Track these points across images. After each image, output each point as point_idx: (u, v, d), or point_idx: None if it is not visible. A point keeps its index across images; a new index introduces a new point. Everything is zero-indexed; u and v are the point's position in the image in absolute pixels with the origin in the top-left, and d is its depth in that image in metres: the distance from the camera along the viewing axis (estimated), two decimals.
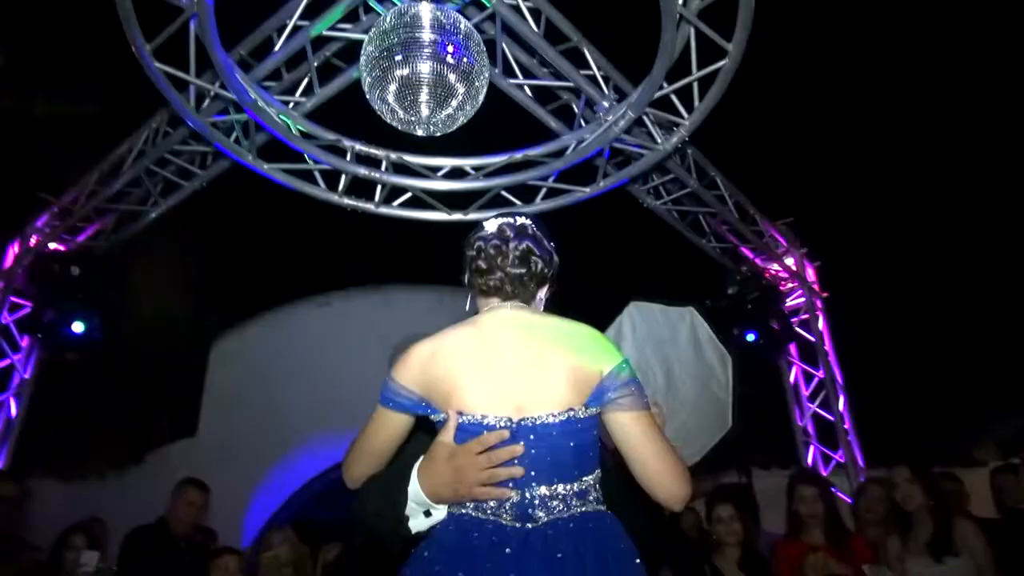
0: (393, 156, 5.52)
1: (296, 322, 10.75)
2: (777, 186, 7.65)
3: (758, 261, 7.52)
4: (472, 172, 5.60)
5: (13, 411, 6.87)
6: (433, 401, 1.77)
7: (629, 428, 1.68)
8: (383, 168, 5.48)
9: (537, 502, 1.66)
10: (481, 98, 4.10)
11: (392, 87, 3.89)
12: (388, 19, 3.93)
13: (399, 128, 4.04)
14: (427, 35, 3.93)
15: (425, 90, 3.94)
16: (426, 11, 3.98)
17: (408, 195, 5.67)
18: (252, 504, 9.82)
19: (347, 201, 5.50)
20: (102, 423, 10.52)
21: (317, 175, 5.42)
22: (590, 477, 1.72)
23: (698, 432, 5.53)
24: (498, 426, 1.68)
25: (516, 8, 4.78)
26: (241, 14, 5.10)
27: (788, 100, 6.97)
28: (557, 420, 1.67)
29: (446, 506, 1.76)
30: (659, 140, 5.10)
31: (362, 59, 3.93)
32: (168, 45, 4.36)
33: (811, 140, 7.51)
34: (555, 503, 1.67)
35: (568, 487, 1.68)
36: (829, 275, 8.05)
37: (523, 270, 1.81)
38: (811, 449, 7.50)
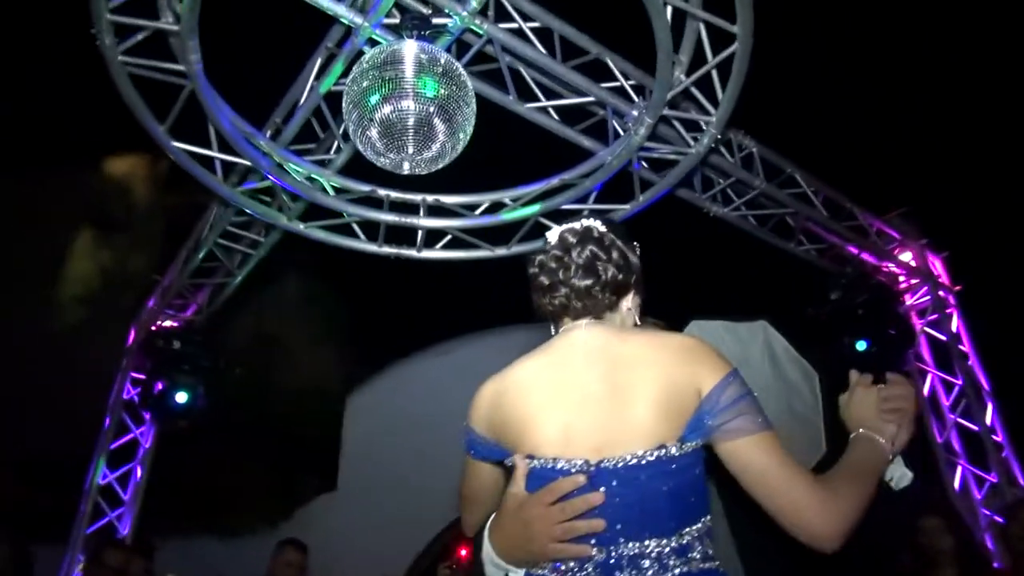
0: (429, 199, 5.47)
1: (422, 373, 11.12)
2: (880, 176, 6.84)
3: (866, 259, 6.69)
4: (510, 203, 5.42)
5: (138, 477, 7.44)
6: (505, 444, 1.56)
7: (746, 457, 1.39)
8: (420, 213, 5.44)
9: (625, 562, 1.38)
10: (466, 133, 3.95)
11: (375, 128, 3.83)
12: (368, 60, 3.89)
13: (389, 168, 3.95)
14: (408, 73, 3.85)
15: (410, 129, 3.85)
16: (408, 50, 3.91)
17: (448, 237, 5.58)
18: (392, 552, 10.04)
19: (388, 250, 5.49)
20: (248, 482, 11.22)
21: (356, 228, 5.46)
22: (693, 529, 1.41)
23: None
24: (572, 470, 1.42)
25: (518, 31, 4.60)
26: (275, 82, 5.33)
27: (872, 78, 6.24)
28: (644, 461, 1.39)
29: (524, 568, 1.50)
30: (690, 143, 4.67)
31: (344, 102, 3.91)
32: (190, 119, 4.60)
33: (909, 116, 6.65)
34: (647, 562, 1.37)
35: (663, 542, 1.38)
36: (960, 267, 7.04)
37: (590, 280, 1.55)
38: (958, 470, 6.46)
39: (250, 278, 6.67)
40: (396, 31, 4.32)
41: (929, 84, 6.62)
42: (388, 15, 4.30)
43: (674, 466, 1.39)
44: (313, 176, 5.13)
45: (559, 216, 5.34)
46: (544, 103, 5.05)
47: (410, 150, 3.80)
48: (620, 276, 1.56)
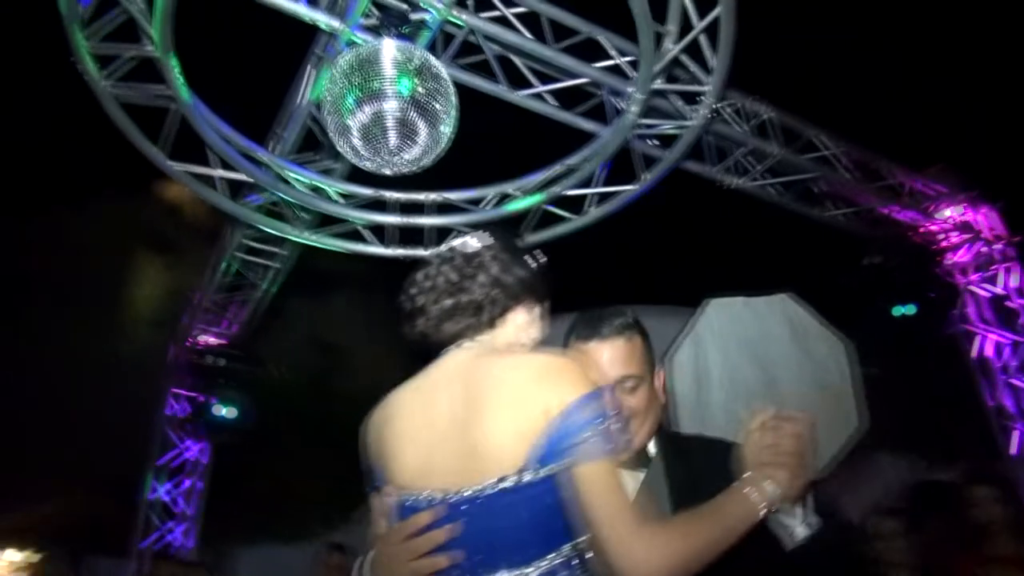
0: (435, 197, 5.44)
1: None
2: (912, 130, 6.48)
3: (901, 219, 6.36)
4: (516, 194, 5.34)
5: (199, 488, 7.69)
6: (384, 475, 1.53)
7: (582, 483, 1.31)
8: (426, 211, 5.42)
9: None
10: (448, 129, 3.89)
11: (354, 131, 3.81)
12: (342, 63, 3.86)
13: (372, 170, 3.93)
14: (383, 73, 3.82)
15: (389, 130, 3.81)
16: (381, 49, 3.87)
17: (455, 234, 5.52)
18: None
19: (398, 252, 5.48)
20: (306, 488, 11.50)
21: (365, 232, 5.47)
22: (556, 556, 1.35)
23: (815, 439, 4.74)
24: (430, 503, 1.40)
25: (501, 19, 4.50)
26: (275, 94, 5.38)
27: (890, 22, 5.89)
28: (496, 490, 1.34)
29: None
30: (687, 115, 4.50)
31: (324, 104, 3.89)
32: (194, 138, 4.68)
33: (939, 65, 6.27)
34: None
35: (523, 572, 1.33)
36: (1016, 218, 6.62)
37: (449, 303, 1.49)
38: (1015, 434, 6.09)
39: (299, 288, 6.75)
40: (376, 31, 4.28)
41: (954, 18, 6.22)
42: (367, 15, 4.27)
43: (531, 492, 1.33)
44: (318, 184, 5.16)
45: (565, 203, 5.25)
46: (538, 88, 4.94)
47: (391, 151, 3.77)
48: (489, 294, 1.48)
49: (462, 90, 4.63)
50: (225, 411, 7.26)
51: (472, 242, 1.55)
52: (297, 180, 5.05)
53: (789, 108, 5.64)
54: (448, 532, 1.35)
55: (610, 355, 1.73)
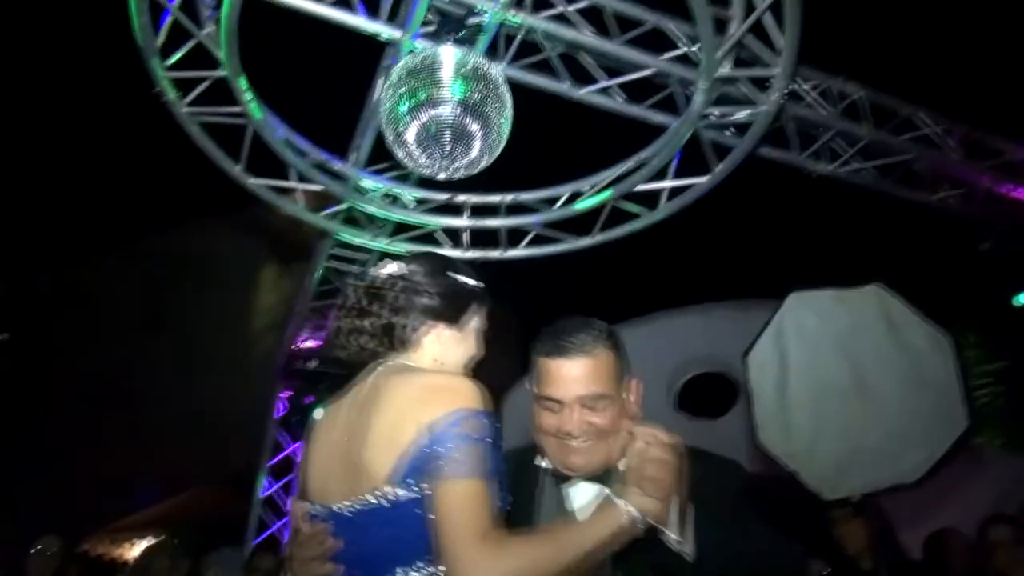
0: (509, 198, 5.45)
1: None
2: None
3: (1019, 197, 5.78)
4: (589, 191, 5.27)
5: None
6: (299, 485, 1.69)
7: (437, 500, 1.32)
8: (500, 212, 5.43)
9: None
10: (502, 132, 3.88)
11: (410, 137, 3.86)
12: (397, 71, 3.93)
13: (428, 175, 3.98)
14: (437, 79, 3.86)
15: (444, 135, 3.85)
16: (436, 56, 3.92)
17: (532, 234, 5.51)
18: None
19: (473, 254, 5.52)
20: None
21: (440, 236, 5.55)
22: (416, 572, 1.39)
23: (914, 439, 4.39)
24: (323, 516, 1.50)
25: (560, 16, 4.44)
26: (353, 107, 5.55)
27: None
28: (370, 505, 1.40)
29: None
30: (760, 101, 4.28)
31: (381, 109, 3.97)
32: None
33: None
34: None
35: None
36: None
37: (358, 325, 1.58)
38: None
39: None
40: (435, 37, 4.33)
41: None
42: (426, 23, 4.33)
43: (399, 510, 1.37)
44: (393, 192, 5.29)
45: (638, 198, 5.12)
46: (605, 83, 4.84)
47: (445, 156, 3.80)
48: (391, 319, 1.55)
49: (527, 91, 4.62)
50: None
51: (391, 267, 1.62)
52: (373, 189, 5.19)
53: (880, 87, 5.25)
54: (332, 544, 1.45)
55: (572, 372, 1.66)
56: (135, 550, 9.80)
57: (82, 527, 9.37)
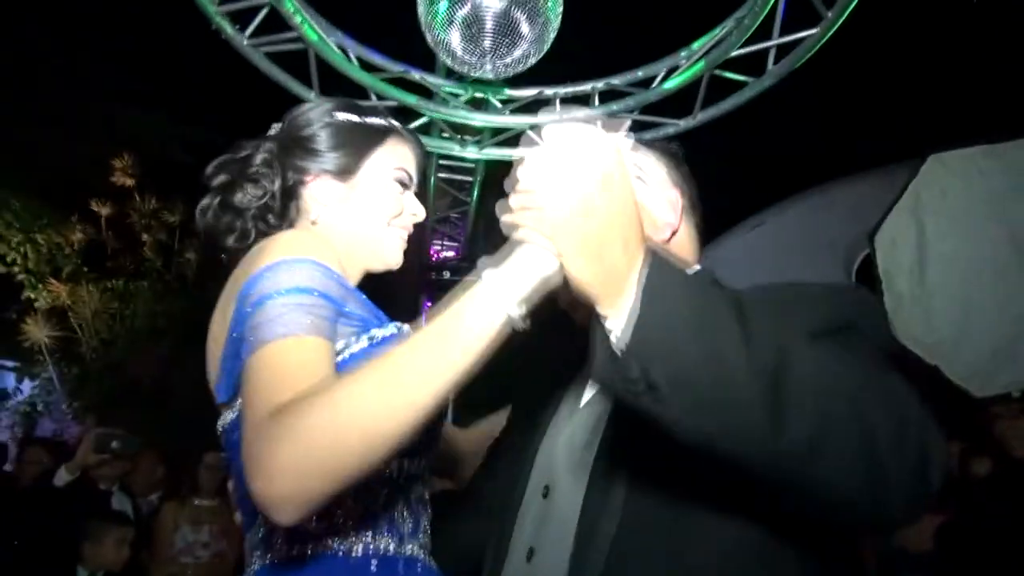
0: (600, 85, 5.01)
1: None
2: None
3: None
4: (685, 64, 4.70)
5: None
6: None
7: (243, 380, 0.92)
8: (592, 102, 5.02)
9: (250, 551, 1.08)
10: (554, 18, 3.48)
11: (454, 32, 3.59)
12: None
13: (471, 72, 3.70)
14: None
15: (489, 26, 3.52)
16: None
17: (628, 121, 5.05)
18: None
19: None
20: None
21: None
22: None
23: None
24: None
25: None
26: None
27: None
28: (220, 429, 1.06)
29: None
30: None
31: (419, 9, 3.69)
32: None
33: None
34: (255, 556, 1.05)
35: (249, 537, 1.07)
36: None
37: (226, 216, 1.18)
38: None
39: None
40: None
41: None
42: None
43: (235, 434, 0.96)
44: (477, 91, 5.03)
45: (740, 66, 4.51)
46: None
47: (488, 47, 3.48)
48: (262, 189, 1.17)
49: None
50: None
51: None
52: (454, 94, 4.97)
53: None
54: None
55: None
56: None
57: None
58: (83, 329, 8.08)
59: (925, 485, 0.76)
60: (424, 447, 1.09)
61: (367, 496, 1.01)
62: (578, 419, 1.13)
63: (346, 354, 0.99)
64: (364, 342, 1.02)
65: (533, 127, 0.91)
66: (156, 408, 7.25)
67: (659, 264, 0.78)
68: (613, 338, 0.77)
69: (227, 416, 1.03)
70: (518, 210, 0.82)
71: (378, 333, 1.04)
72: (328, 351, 0.93)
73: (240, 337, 0.94)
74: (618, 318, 0.77)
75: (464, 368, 0.82)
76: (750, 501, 0.87)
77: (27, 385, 8.39)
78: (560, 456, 1.12)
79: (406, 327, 1.07)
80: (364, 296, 1.11)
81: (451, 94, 4.97)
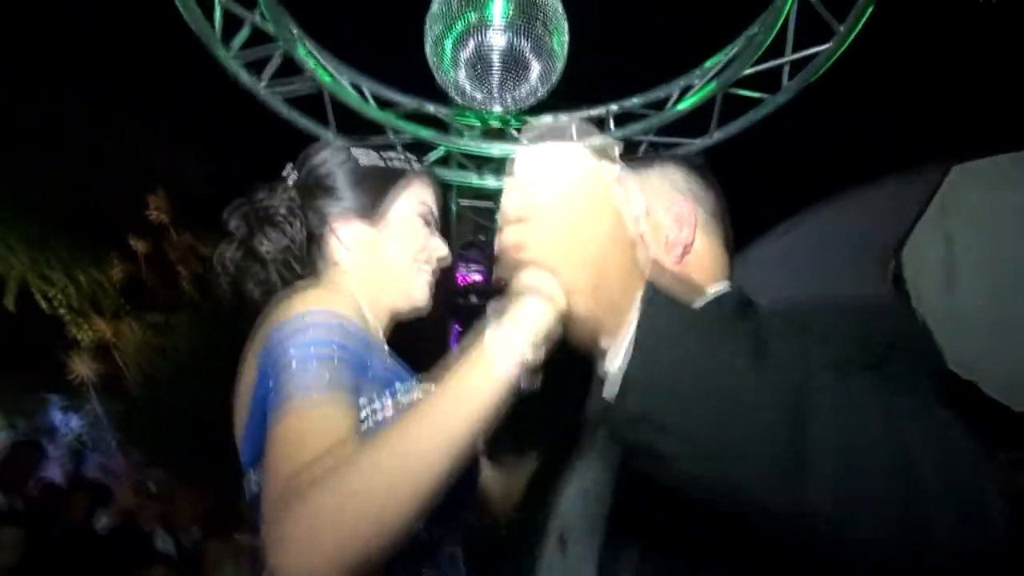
0: (614, 108, 5.01)
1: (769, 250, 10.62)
2: None
3: None
4: (699, 83, 4.67)
5: None
6: None
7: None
8: (604, 126, 5.02)
9: None
10: (559, 51, 3.50)
11: (462, 65, 3.63)
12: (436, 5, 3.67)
13: (480, 107, 3.72)
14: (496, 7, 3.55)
15: (496, 63, 3.56)
16: None
17: (644, 144, 5.04)
18: None
19: None
20: None
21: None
22: None
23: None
24: None
25: None
26: None
27: None
28: (251, 485, 1.04)
29: None
30: None
31: (428, 39, 3.74)
32: None
33: None
34: None
35: None
36: None
37: (252, 264, 1.19)
38: None
39: None
40: None
41: None
42: None
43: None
44: (492, 121, 5.07)
45: (743, 84, 4.49)
46: None
47: (495, 84, 3.51)
48: (288, 237, 1.17)
49: None
50: None
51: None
52: (468, 124, 5.01)
53: None
54: None
55: None
56: None
57: None
58: (127, 365, 8.30)
59: (982, 543, 0.65)
60: (448, 513, 1.01)
61: (393, 564, 0.92)
62: (591, 463, 1.09)
63: (370, 422, 0.99)
64: (390, 408, 1.01)
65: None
66: (200, 441, 7.42)
67: (656, 299, 0.71)
68: (610, 375, 0.71)
69: (251, 478, 1.02)
70: (510, 247, 0.75)
71: (403, 400, 1.03)
72: (348, 405, 0.92)
73: (263, 398, 0.94)
74: (617, 354, 0.71)
75: (468, 438, 0.78)
76: (773, 560, 0.76)
77: (73, 420, 8.65)
78: (574, 507, 1.06)
79: (431, 386, 0.95)
80: (388, 348, 1.10)
81: (466, 125, 5.02)
